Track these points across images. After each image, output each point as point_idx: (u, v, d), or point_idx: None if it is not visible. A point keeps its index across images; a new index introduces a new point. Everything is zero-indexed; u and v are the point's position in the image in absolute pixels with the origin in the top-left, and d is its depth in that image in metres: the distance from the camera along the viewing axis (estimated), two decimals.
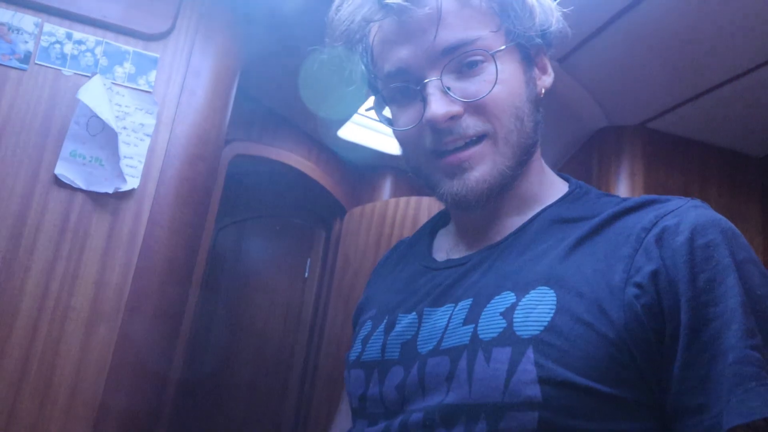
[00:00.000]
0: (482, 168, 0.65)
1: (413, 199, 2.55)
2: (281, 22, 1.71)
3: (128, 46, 1.35)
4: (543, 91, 0.71)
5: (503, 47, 0.65)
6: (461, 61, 0.64)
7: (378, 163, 2.95)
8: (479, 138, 0.65)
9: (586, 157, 1.87)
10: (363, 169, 3.01)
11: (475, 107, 0.64)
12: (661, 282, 0.54)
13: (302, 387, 2.94)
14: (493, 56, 0.64)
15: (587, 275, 0.57)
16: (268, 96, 2.35)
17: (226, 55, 1.50)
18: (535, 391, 0.53)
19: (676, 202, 0.60)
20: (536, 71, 0.71)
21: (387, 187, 2.96)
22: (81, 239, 1.26)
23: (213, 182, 1.51)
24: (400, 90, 0.67)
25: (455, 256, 0.72)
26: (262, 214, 3.38)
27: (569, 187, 0.72)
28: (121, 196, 1.30)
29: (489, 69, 0.64)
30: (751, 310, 0.52)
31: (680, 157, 1.74)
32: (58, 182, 1.25)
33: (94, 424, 1.20)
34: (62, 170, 1.25)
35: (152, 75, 1.36)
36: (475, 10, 0.64)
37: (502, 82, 0.64)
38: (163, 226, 1.33)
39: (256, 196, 3.30)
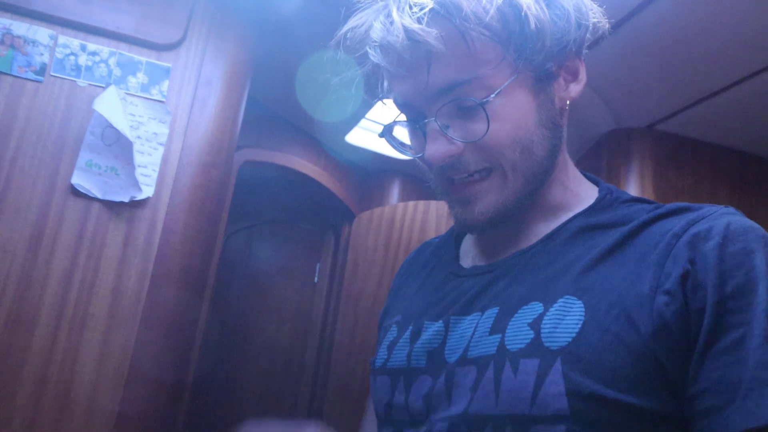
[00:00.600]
0: (487, 200, 0.64)
1: (421, 203, 2.56)
2: (289, 29, 1.73)
3: (141, 57, 1.37)
4: (568, 103, 0.67)
5: (500, 85, 0.61)
6: (458, 103, 0.61)
7: (386, 167, 2.96)
8: (486, 171, 0.63)
9: (594, 160, 1.88)
10: (371, 174, 3.02)
11: (476, 145, 0.62)
12: (689, 285, 0.53)
13: (313, 392, 2.95)
14: (482, 97, 0.60)
15: (616, 285, 0.56)
16: (277, 102, 2.37)
17: (237, 64, 1.51)
18: (562, 403, 0.52)
19: (709, 208, 0.59)
20: (560, 83, 0.66)
21: (395, 191, 2.97)
22: (98, 248, 1.27)
23: (226, 189, 1.53)
24: (407, 118, 0.67)
25: (481, 262, 0.71)
26: (271, 220, 3.40)
27: (599, 192, 0.69)
28: (136, 205, 1.31)
29: (489, 108, 0.61)
30: None
31: (690, 158, 1.75)
32: (75, 192, 1.27)
33: (112, 430, 1.21)
34: (78, 180, 1.27)
35: (165, 84, 1.38)
36: (472, 45, 0.59)
37: (502, 118, 0.61)
38: (178, 233, 1.34)
39: (265, 201, 3.32)
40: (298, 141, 2.60)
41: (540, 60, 0.62)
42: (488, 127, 0.61)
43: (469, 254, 0.75)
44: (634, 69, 1.59)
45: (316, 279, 3.17)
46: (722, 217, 0.57)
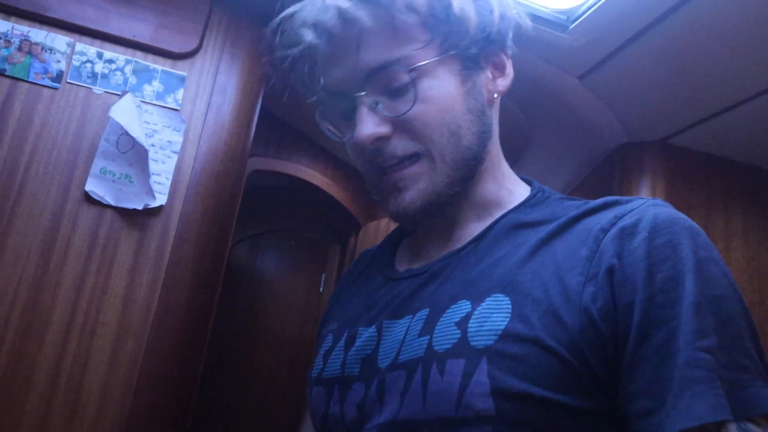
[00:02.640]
0: (417, 187, 0.64)
1: None
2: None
3: (157, 65, 1.38)
4: (495, 95, 0.69)
5: (426, 62, 0.63)
6: (387, 83, 0.63)
7: None
8: (414, 156, 0.64)
9: (606, 173, 1.87)
10: None
11: (404, 127, 0.63)
12: (617, 281, 0.52)
13: None
14: (414, 72, 0.62)
15: (544, 280, 0.56)
16: (286, 111, 2.38)
17: (251, 73, 1.52)
18: (488, 404, 0.51)
19: (637, 201, 0.59)
20: (488, 75, 0.68)
21: None
22: (110, 255, 1.27)
23: (238, 198, 1.53)
24: (341, 104, 0.68)
25: (416, 265, 0.71)
26: (277, 229, 3.40)
27: (531, 191, 0.71)
28: (149, 213, 1.31)
29: (417, 87, 0.63)
30: (707, 310, 0.50)
31: (703, 173, 1.74)
32: (89, 199, 1.27)
33: None
34: (92, 187, 1.27)
35: (180, 93, 1.38)
36: (399, 28, 0.62)
37: (429, 99, 0.63)
38: (190, 241, 1.34)
39: (271, 210, 3.32)
40: (306, 150, 2.60)
41: (465, 45, 0.65)
42: (415, 100, 0.62)
43: (405, 258, 0.76)
44: (647, 83, 1.59)
45: (321, 289, 3.16)
46: (649, 210, 0.56)
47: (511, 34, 0.69)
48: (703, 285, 0.51)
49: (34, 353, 1.19)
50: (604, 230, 0.56)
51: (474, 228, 0.68)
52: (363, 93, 0.63)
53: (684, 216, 0.56)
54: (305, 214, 3.25)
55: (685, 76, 1.53)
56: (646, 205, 0.57)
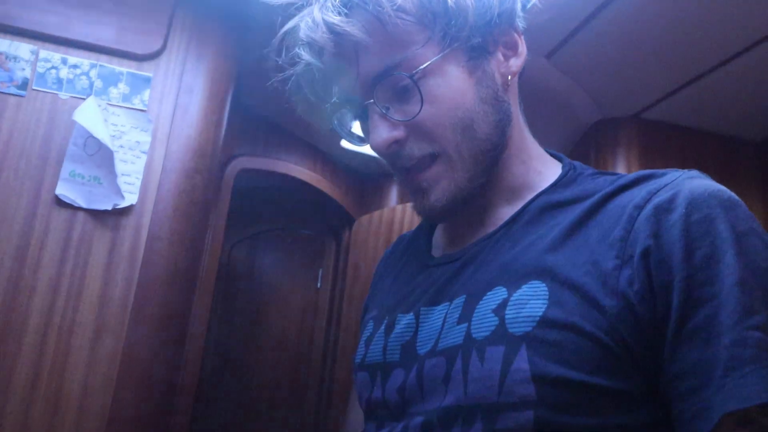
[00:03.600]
0: (439, 187, 0.64)
1: None
2: (276, 34, 1.74)
3: (122, 68, 1.40)
4: (510, 78, 0.67)
5: (427, 63, 0.61)
6: (393, 87, 0.62)
7: (383, 170, 2.97)
8: (432, 156, 0.64)
9: (583, 151, 1.87)
10: (369, 177, 3.04)
11: (417, 130, 0.63)
12: (653, 261, 0.51)
13: (319, 396, 2.95)
14: (413, 79, 0.61)
15: (579, 264, 0.55)
16: (270, 109, 2.40)
17: (218, 71, 1.54)
18: (529, 389, 0.51)
19: (672, 174, 0.57)
20: (499, 58, 0.66)
21: (393, 193, 2.98)
22: (84, 256, 1.30)
23: (212, 194, 1.54)
24: (354, 111, 0.67)
25: (451, 250, 0.71)
26: (272, 228, 3.42)
27: (562, 168, 0.69)
28: (121, 213, 1.33)
29: (422, 89, 0.62)
30: (753, 285, 0.48)
31: (677, 145, 1.74)
32: (60, 202, 1.30)
33: None
34: (63, 190, 1.29)
35: (146, 94, 1.40)
36: (393, 32, 0.60)
37: (436, 98, 0.62)
38: (163, 239, 1.36)
39: (265, 210, 3.34)
40: (293, 148, 2.62)
41: (466, 35, 0.63)
42: (422, 103, 0.61)
43: (440, 244, 0.75)
44: (614, 58, 1.58)
45: (319, 284, 3.18)
46: (685, 183, 0.54)
47: (518, 8, 0.67)
48: (746, 259, 0.49)
49: (12, 355, 1.22)
50: (638, 207, 0.54)
51: (506, 211, 0.68)
52: (371, 101, 0.63)
53: (722, 188, 0.54)
54: (299, 212, 3.27)
55: (652, 48, 1.52)
56: (682, 179, 0.55)
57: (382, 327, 0.70)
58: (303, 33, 0.62)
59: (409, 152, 0.64)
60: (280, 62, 0.68)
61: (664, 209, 0.53)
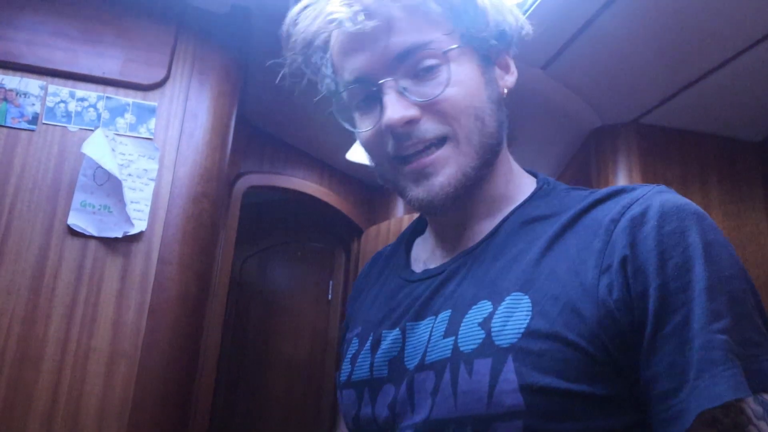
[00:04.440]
0: (446, 172, 0.65)
1: None
2: (280, 53, 1.78)
3: (128, 98, 1.44)
4: (506, 90, 0.70)
5: (456, 46, 0.65)
6: (416, 65, 0.64)
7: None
8: (440, 141, 0.65)
9: (584, 159, 1.89)
10: (375, 189, 3.07)
11: (433, 110, 0.64)
12: (629, 270, 0.54)
13: (334, 405, 2.97)
14: (446, 55, 0.64)
15: (560, 276, 0.58)
16: (276, 127, 2.44)
17: (221, 94, 1.57)
18: (517, 399, 0.53)
19: (642, 189, 0.60)
20: (497, 71, 0.70)
21: (400, 204, 3.01)
22: (96, 283, 1.33)
23: (220, 217, 1.58)
24: (361, 96, 0.68)
25: (432, 265, 0.73)
26: (282, 242, 3.46)
27: (537, 183, 0.72)
28: (132, 239, 1.37)
29: (443, 70, 0.64)
30: (719, 291, 0.52)
31: (677, 148, 1.75)
32: (72, 232, 1.34)
33: None
34: (75, 220, 1.33)
35: (152, 122, 1.44)
36: (425, 15, 0.65)
37: (458, 83, 0.64)
38: (173, 263, 1.40)
39: (275, 225, 3.38)
40: (299, 163, 2.66)
41: (484, 37, 0.67)
42: (448, 82, 0.63)
43: (420, 258, 0.77)
44: (610, 66, 1.60)
45: (330, 296, 3.21)
46: (655, 197, 0.58)
47: (515, 38, 0.72)
48: (713, 268, 0.53)
49: (31, 382, 1.25)
50: (614, 221, 0.57)
51: (486, 225, 0.69)
52: (390, 78, 0.64)
53: (689, 201, 0.58)
54: (308, 225, 3.31)
55: (648, 54, 1.54)
56: (652, 193, 0.59)
57: (368, 344, 0.71)
58: (336, 4, 0.65)
59: (421, 133, 0.65)
60: (300, 42, 0.69)
61: (638, 222, 0.56)
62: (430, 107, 0.64)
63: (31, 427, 1.23)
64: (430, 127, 0.64)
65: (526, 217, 0.67)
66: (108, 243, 1.36)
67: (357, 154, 2.74)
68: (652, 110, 1.73)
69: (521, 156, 0.80)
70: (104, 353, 1.31)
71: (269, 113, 2.28)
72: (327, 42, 0.69)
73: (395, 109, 0.63)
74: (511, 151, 0.75)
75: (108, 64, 1.44)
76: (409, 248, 0.81)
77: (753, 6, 1.35)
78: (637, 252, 0.54)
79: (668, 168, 1.72)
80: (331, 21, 0.64)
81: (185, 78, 1.52)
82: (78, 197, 1.34)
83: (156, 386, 1.34)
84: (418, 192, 0.66)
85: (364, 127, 0.69)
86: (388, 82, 0.64)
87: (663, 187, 0.61)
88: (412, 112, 0.64)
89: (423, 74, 0.64)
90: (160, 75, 1.48)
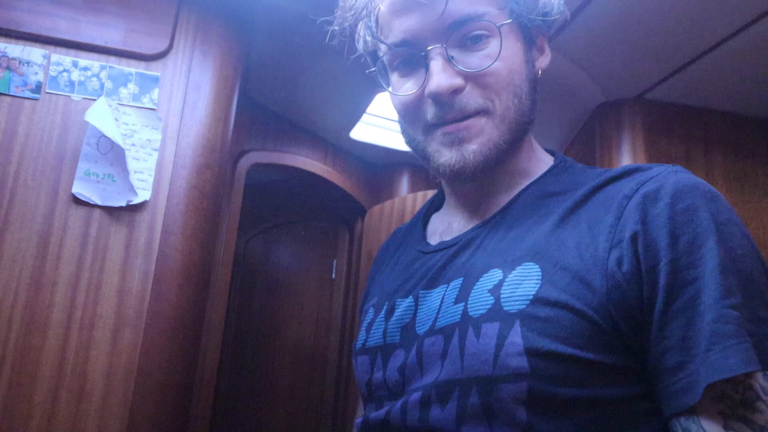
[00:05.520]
0: (480, 140, 0.66)
1: (430, 192, 2.59)
2: (283, 30, 1.78)
3: (131, 68, 1.44)
4: (540, 72, 0.72)
5: (509, 21, 0.66)
6: (466, 34, 0.65)
7: (393, 160, 3.00)
8: (479, 113, 0.66)
9: (589, 134, 1.88)
10: (379, 168, 3.07)
11: (477, 81, 0.65)
12: (640, 245, 0.55)
13: (338, 385, 3.00)
14: (499, 30, 0.65)
15: (571, 248, 0.59)
16: (280, 104, 2.43)
17: (224, 67, 1.57)
18: (522, 362, 0.55)
19: (657, 168, 0.62)
20: (535, 51, 0.71)
21: (404, 183, 3.01)
22: (101, 251, 1.35)
23: (223, 188, 1.58)
24: (403, 58, 0.68)
25: (447, 238, 0.74)
26: (286, 221, 3.47)
27: (554, 161, 0.74)
28: (136, 209, 1.38)
29: (493, 44, 0.65)
30: (730, 270, 0.53)
31: (681, 124, 1.74)
32: (76, 200, 1.35)
33: (128, 423, 1.28)
34: (79, 189, 1.34)
35: (155, 93, 1.44)
36: None
37: (504, 58, 0.65)
38: (177, 233, 1.41)
39: (278, 204, 3.39)
40: (303, 141, 2.66)
41: (532, 17, 0.68)
42: (498, 55, 0.64)
43: (436, 232, 0.79)
44: (614, 40, 1.59)
45: (333, 275, 3.22)
46: (670, 176, 0.59)
47: (557, 21, 0.73)
48: (725, 246, 0.53)
49: (38, 348, 1.27)
50: (627, 197, 0.58)
51: (502, 199, 0.71)
52: (440, 45, 0.64)
53: (703, 181, 0.58)
54: (312, 204, 3.32)
55: (651, 28, 1.53)
56: (667, 172, 0.60)
57: (383, 312, 0.73)
58: None
59: (463, 104, 0.65)
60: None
61: (651, 198, 0.57)
62: (475, 78, 0.65)
63: (39, 392, 1.25)
64: (471, 99, 0.65)
65: (541, 191, 0.68)
66: (112, 212, 1.37)
67: (361, 133, 2.74)
68: (656, 85, 1.72)
69: None
70: (109, 320, 1.32)
71: (273, 91, 2.27)
72: (376, 1, 0.68)
73: (443, 76, 0.64)
74: None
75: (111, 34, 1.44)
76: (426, 223, 0.83)
77: None
78: (649, 228, 0.55)
79: (672, 144, 1.72)
80: None
81: (188, 49, 1.52)
82: (82, 166, 1.35)
83: (160, 352, 1.35)
84: (450, 156, 0.67)
85: (402, 89, 0.69)
86: (437, 48, 0.64)
87: (678, 167, 0.61)
88: (459, 81, 0.65)
89: (471, 44, 0.65)
90: (162, 45, 1.48)
